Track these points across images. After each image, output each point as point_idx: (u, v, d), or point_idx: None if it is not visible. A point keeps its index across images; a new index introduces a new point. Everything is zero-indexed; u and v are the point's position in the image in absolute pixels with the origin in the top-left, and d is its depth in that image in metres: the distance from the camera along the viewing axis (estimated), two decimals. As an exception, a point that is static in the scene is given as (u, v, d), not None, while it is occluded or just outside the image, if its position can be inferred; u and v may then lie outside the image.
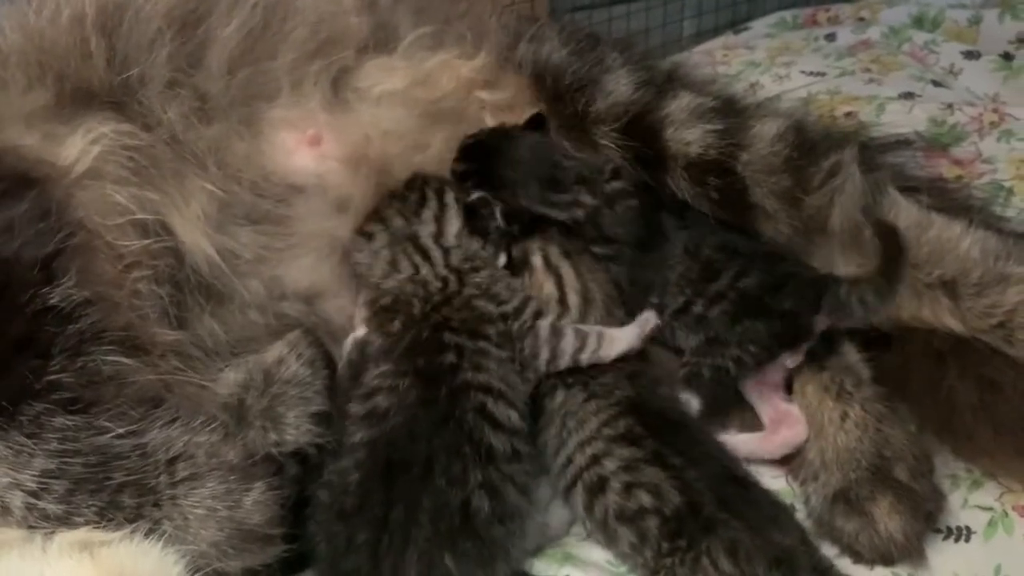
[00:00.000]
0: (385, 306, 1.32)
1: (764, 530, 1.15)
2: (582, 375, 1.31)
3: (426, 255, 1.35)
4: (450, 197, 1.42)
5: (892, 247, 1.28)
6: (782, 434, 1.33)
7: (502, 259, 1.41)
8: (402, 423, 1.19)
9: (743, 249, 1.41)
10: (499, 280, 1.35)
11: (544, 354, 1.30)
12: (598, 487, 1.21)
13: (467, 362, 1.24)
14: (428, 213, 1.39)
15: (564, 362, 1.31)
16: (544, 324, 1.31)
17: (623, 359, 1.33)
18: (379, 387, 1.24)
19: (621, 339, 1.33)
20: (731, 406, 1.37)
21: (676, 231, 1.46)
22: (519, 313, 1.31)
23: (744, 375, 1.35)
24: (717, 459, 1.25)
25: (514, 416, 1.22)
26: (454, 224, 1.39)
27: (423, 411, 1.20)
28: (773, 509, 1.20)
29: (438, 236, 1.38)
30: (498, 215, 1.41)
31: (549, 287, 1.40)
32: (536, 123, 1.50)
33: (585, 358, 1.31)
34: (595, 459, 1.23)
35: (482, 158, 1.47)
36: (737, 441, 1.33)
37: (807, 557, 1.16)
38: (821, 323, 1.34)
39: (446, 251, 1.36)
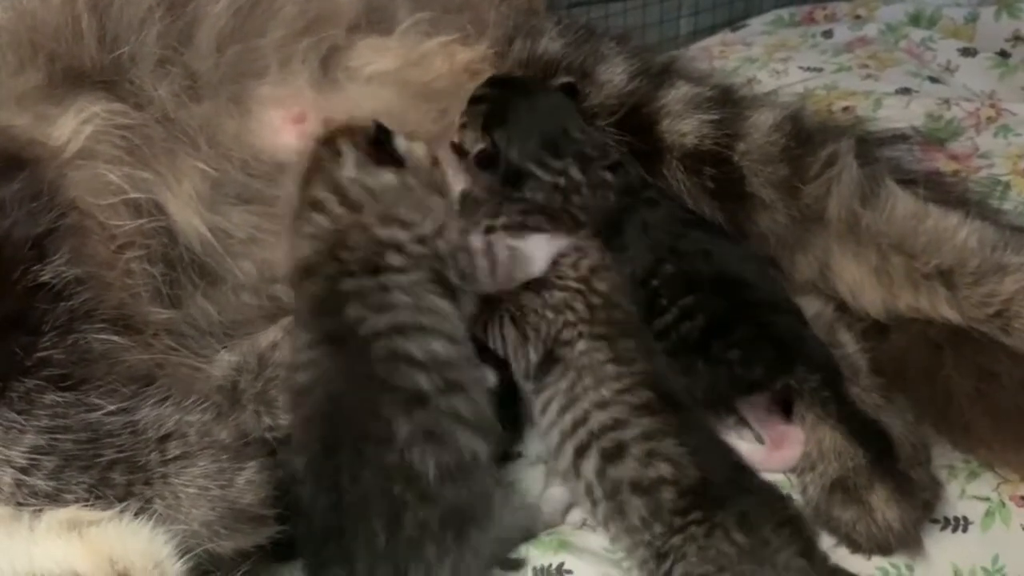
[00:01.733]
0: (299, 268, 1.24)
1: (769, 501, 1.17)
2: (606, 329, 1.29)
3: (318, 206, 1.26)
4: (342, 143, 1.30)
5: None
6: (782, 454, 1.32)
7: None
8: (324, 396, 1.13)
9: (705, 277, 1.35)
10: (404, 201, 1.26)
11: (483, 264, 1.26)
12: (615, 453, 1.19)
13: (369, 308, 1.16)
14: (319, 175, 1.29)
15: (502, 273, 1.28)
16: (476, 237, 1.28)
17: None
18: (300, 362, 1.18)
19: (539, 255, 1.31)
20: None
21: (638, 237, 1.41)
22: (442, 231, 1.24)
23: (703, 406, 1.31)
24: (722, 445, 1.25)
25: (437, 345, 1.15)
26: (346, 170, 1.28)
27: (339, 378, 1.14)
28: (772, 489, 1.22)
29: (331, 186, 1.27)
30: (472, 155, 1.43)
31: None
32: (568, 90, 1.50)
33: (517, 271, 1.29)
34: (617, 423, 1.21)
35: (505, 90, 1.47)
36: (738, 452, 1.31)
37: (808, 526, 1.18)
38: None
39: (341, 192, 1.26)
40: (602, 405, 1.23)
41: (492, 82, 1.50)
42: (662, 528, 1.15)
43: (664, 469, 1.17)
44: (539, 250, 1.33)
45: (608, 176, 1.43)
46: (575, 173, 1.42)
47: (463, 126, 1.48)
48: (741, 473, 1.20)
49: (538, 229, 1.36)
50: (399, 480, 1.07)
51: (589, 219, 1.41)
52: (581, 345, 1.28)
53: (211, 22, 1.38)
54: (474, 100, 1.48)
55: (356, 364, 1.13)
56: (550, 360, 1.28)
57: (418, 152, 1.33)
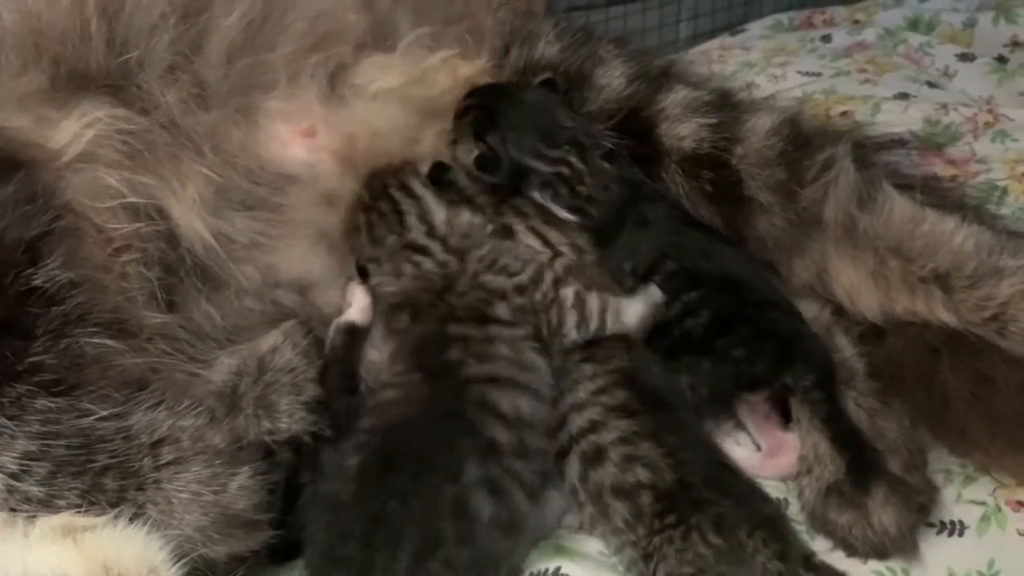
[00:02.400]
0: (393, 304, 1.31)
1: (747, 503, 1.17)
2: None
3: (424, 251, 1.35)
4: (418, 186, 1.40)
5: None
6: (779, 461, 1.32)
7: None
8: (405, 416, 1.19)
9: (707, 274, 1.37)
10: (504, 251, 1.34)
11: (571, 320, 1.29)
12: (595, 457, 1.21)
13: (471, 355, 1.23)
14: (411, 219, 1.38)
15: (593, 325, 1.30)
16: (568, 291, 1.30)
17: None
18: (391, 382, 1.24)
19: (635, 306, 1.32)
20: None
21: (640, 232, 1.43)
22: (537, 283, 1.30)
23: (706, 405, 1.32)
24: (704, 443, 1.25)
25: (524, 404, 1.21)
26: (439, 214, 1.38)
27: (428, 407, 1.20)
28: (753, 489, 1.22)
29: (430, 232, 1.37)
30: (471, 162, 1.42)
31: (537, 246, 1.39)
32: (547, 84, 1.51)
33: (610, 322, 1.30)
34: (593, 426, 1.22)
35: (487, 97, 1.48)
36: (733, 458, 1.31)
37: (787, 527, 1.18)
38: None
39: (442, 240, 1.35)
40: (579, 407, 1.24)
41: (471, 93, 1.50)
42: (644, 531, 1.15)
43: (642, 474, 1.18)
44: (635, 306, 1.33)
45: (606, 165, 1.44)
46: (575, 160, 1.42)
47: (454, 142, 1.48)
48: (722, 473, 1.21)
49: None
50: (448, 516, 1.11)
51: (594, 209, 1.43)
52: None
53: (223, 33, 1.38)
54: (459, 115, 1.48)
55: (447, 400, 1.20)
56: None
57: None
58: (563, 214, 1.43)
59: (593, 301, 1.30)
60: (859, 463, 1.23)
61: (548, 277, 1.32)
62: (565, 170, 1.42)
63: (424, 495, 1.12)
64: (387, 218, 1.38)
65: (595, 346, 1.29)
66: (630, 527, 1.17)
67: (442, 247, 1.34)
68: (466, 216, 1.38)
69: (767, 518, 1.16)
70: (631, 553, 1.17)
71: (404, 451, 1.16)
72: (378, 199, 1.40)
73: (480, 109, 1.46)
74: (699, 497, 1.15)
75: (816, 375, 1.27)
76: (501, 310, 1.27)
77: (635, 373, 1.27)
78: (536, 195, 1.44)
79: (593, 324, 1.30)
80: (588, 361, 1.28)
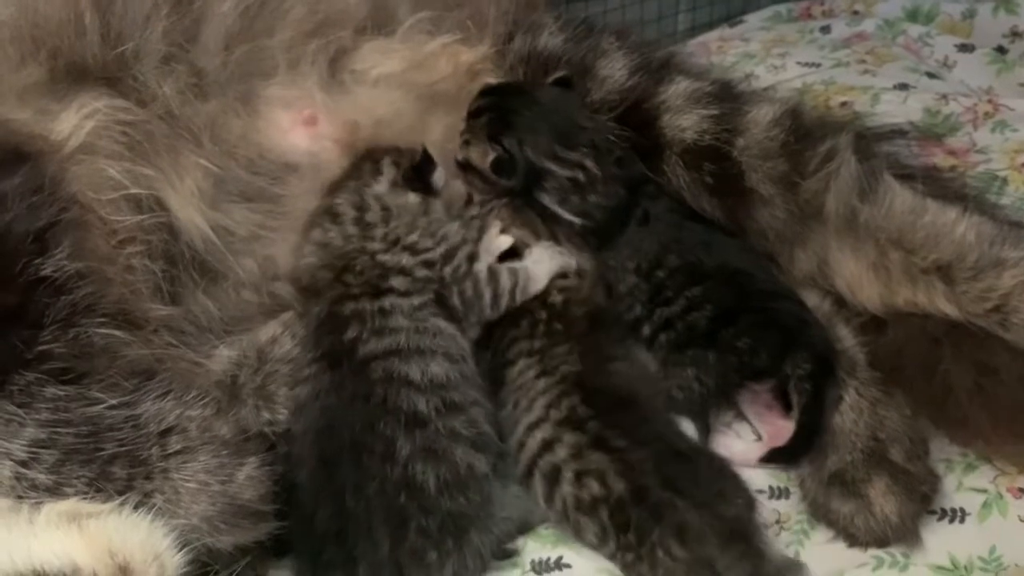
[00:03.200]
0: (301, 288, 1.30)
1: (710, 505, 1.14)
2: (542, 344, 1.31)
3: (336, 218, 1.33)
4: (386, 162, 1.38)
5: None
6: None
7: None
8: (320, 412, 1.19)
9: (708, 267, 1.38)
10: (417, 228, 1.32)
11: (487, 295, 1.30)
12: (553, 477, 1.20)
13: (368, 330, 1.21)
14: (352, 183, 1.37)
15: (504, 301, 1.31)
16: (480, 267, 1.31)
17: (580, 330, 1.33)
18: (304, 376, 1.23)
19: (540, 268, 1.36)
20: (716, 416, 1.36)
21: (643, 229, 1.44)
22: (450, 257, 1.30)
23: (712, 396, 1.33)
24: (662, 436, 1.23)
25: (434, 367, 1.19)
26: (379, 185, 1.36)
27: (336, 396, 1.19)
28: (718, 480, 1.19)
29: (357, 202, 1.35)
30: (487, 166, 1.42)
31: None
32: (563, 83, 1.50)
33: (519, 295, 1.33)
34: (547, 445, 1.21)
35: (501, 96, 1.46)
36: (734, 450, 1.32)
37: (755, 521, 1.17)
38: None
39: (359, 209, 1.33)
40: (533, 426, 1.24)
41: (485, 92, 1.49)
42: (614, 545, 1.16)
43: (594, 487, 1.17)
44: (541, 268, 1.36)
45: (616, 171, 1.44)
46: (591, 165, 1.42)
47: (466, 143, 1.46)
48: (681, 469, 1.18)
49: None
50: (402, 492, 1.12)
51: (602, 215, 1.43)
52: (518, 366, 1.30)
53: (218, 21, 1.38)
54: (473, 115, 1.47)
55: (353, 383, 1.18)
56: (496, 383, 1.30)
57: (455, 189, 1.41)
58: (569, 217, 1.43)
59: (505, 277, 1.32)
60: (796, 451, 1.26)
61: (462, 253, 1.31)
62: (580, 175, 1.42)
63: (372, 480, 1.13)
64: (337, 180, 1.38)
65: (545, 353, 1.30)
66: (602, 542, 1.17)
67: (354, 218, 1.33)
68: (411, 199, 1.36)
69: (737, 522, 1.14)
70: (619, 563, 1.18)
71: (336, 447, 1.15)
72: (348, 166, 1.40)
73: (495, 110, 1.44)
74: (656, 502, 1.13)
75: (812, 365, 1.27)
76: (396, 281, 1.26)
77: (584, 375, 1.26)
78: (545, 198, 1.43)
79: (504, 301, 1.32)
80: (541, 376, 1.27)
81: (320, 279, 1.28)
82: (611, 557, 1.18)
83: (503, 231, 1.40)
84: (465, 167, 1.46)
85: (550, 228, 1.43)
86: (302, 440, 1.19)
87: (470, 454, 1.16)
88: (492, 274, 1.31)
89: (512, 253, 1.38)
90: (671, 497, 1.14)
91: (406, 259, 1.28)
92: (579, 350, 1.30)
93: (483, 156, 1.43)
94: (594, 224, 1.43)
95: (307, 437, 1.18)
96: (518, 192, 1.43)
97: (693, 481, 1.17)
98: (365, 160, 1.39)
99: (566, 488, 1.18)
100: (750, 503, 1.18)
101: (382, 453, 1.14)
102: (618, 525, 1.15)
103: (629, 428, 1.21)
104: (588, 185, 1.42)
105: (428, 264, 1.29)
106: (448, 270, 1.29)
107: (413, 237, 1.31)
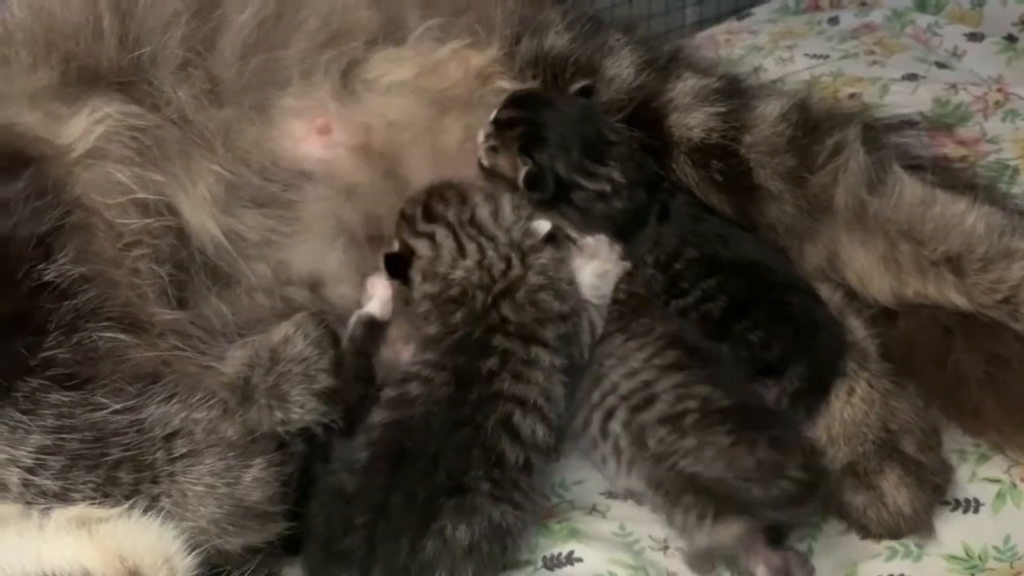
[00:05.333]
0: (451, 297, 1.29)
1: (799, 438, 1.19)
2: (619, 325, 1.33)
3: (490, 235, 1.32)
4: (479, 195, 1.39)
5: None
6: None
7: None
8: (423, 415, 1.19)
9: (725, 260, 1.38)
10: (561, 268, 1.33)
11: (586, 336, 1.32)
12: (645, 403, 1.23)
13: (508, 371, 1.22)
14: (478, 197, 1.36)
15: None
16: (585, 324, 1.32)
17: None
18: (416, 375, 1.23)
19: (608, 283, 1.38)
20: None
21: (662, 223, 1.44)
22: (576, 314, 1.31)
23: None
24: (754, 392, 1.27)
25: (540, 432, 1.20)
26: (506, 206, 1.36)
27: (447, 409, 1.19)
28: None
29: (495, 214, 1.34)
30: (520, 180, 1.41)
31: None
32: (586, 92, 1.50)
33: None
34: (646, 384, 1.24)
35: (533, 110, 1.46)
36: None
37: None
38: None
39: (506, 229, 1.33)
40: (631, 375, 1.26)
41: (517, 102, 1.48)
42: (676, 437, 1.18)
43: (691, 404, 1.20)
44: (608, 280, 1.38)
45: (638, 175, 1.45)
46: (618, 176, 1.42)
47: (493, 150, 1.46)
48: (774, 412, 1.23)
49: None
50: (444, 494, 1.12)
51: (625, 218, 1.44)
52: (604, 343, 1.33)
53: (236, 30, 1.38)
54: (505, 124, 1.46)
55: (470, 409, 1.19)
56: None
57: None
58: (595, 222, 1.44)
59: (596, 318, 1.34)
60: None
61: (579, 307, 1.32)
62: (608, 187, 1.42)
63: (430, 493, 1.12)
64: (449, 201, 1.36)
65: (628, 328, 1.32)
66: (661, 442, 1.19)
67: (506, 237, 1.32)
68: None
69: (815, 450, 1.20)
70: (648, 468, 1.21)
71: (417, 449, 1.16)
72: (440, 189, 1.38)
73: (528, 124, 1.44)
74: (757, 415, 1.18)
75: (804, 384, 1.28)
76: (549, 333, 1.26)
77: (680, 334, 1.30)
78: (572, 207, 1.44)
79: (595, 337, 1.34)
80: (631, 339, 1.30)
81: (476, 301, 1.28)
82: (656, 454, 1.19)
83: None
84: (491, 173, 1.47)
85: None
86: (380, 430, 1.19)
87: (523, 502, 1.17)
88: (591, 325, 1.33)
89: (551, 239, 1.38)
90: (771, 422, 1.18)
91: (555, 304, 1.29)
92: (661, 316, 1.34)
93: (513, 167, 1.44)
94: (617, 227, 1.43)
95: (388, 429, 1.19)
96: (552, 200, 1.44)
97: (786, 425, 1.21)
98: (444, 193, 1.39)
99: (658, 407, 1.21)
100: None
101: (456, 478, 1.14)
102: (705, 425, 1.17)
103: (729, 376, 1.25)
104: (614, 194, 1.43)
105: (564, 317, 1.29)
106: (573, 327, 1.30)
107: (559, 278, 1.32)
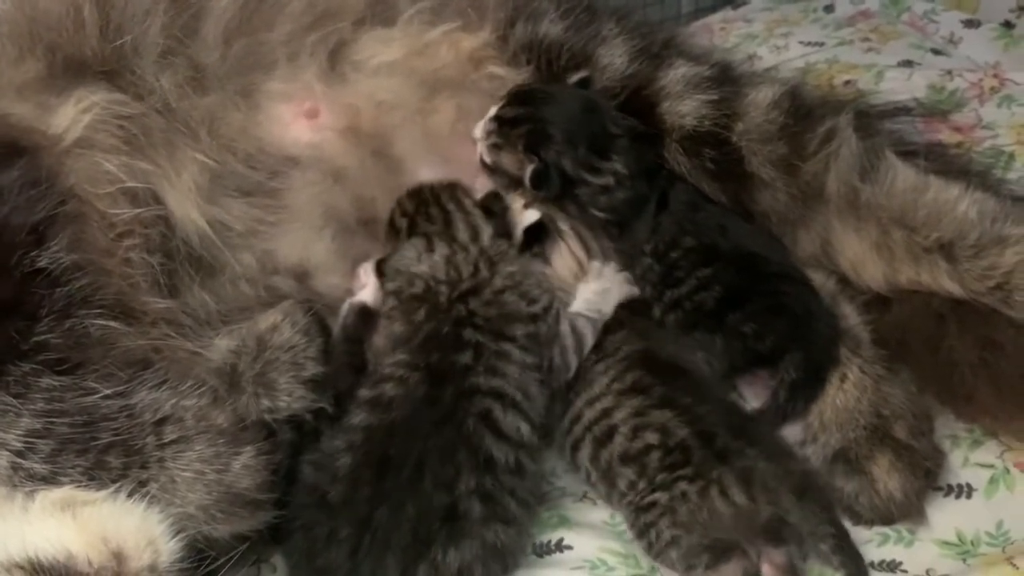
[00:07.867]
0: (414, 294, 1.28)
1: (781, 458, 1.16)
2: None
3: (463, 247, 1.32)
4: (469, 203, 1.38)
5: None
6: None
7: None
8: (403, 417, 1.17)
9: (723, 249, 1.38)
10: (530, 275, 1.32)
11: (574, 362, 1.30)
12: (606, 436, 1.22)
13: (482, 364, 1.21)
14: (458, 222, 1.35)
15: (587, 351, 1.31)
16: (566, 329, 1.30)
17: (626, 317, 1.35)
18: (391, 375, 1.21)
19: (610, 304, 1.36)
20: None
21: (661, 212, 1.44)
22: (547, 314, 1.29)
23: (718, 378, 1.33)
24: (725, 399, 1.26)
25: (524, 428, 1.19)
26: (486, 229, 1.35)
27: (426, 409, 1.17)
28: (782, 444, 1.23)
29: (473, 238, 1.34)
30: (526, 179, 1.41)
31: (576, 256, 1.41)
32: (584, 84, 1.49)
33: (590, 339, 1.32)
34: (605, 413, 1.23)
35: (537, 107, 1.46)
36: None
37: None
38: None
39: (481, 249, 1.32)
40: (592, 401, 1.26)
41: (520, 99, 1.47)
42: (645, 484, 1.16)
43: (651, 437, 1.18)
44: (610, 301, 1.37)
45: (638, 166, 1.44)
46: (621, 169, 1.42)
47: (497, 147, 1.46)
48: (747, 424, 1.21)
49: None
50: (438, 520, 1.10)
51: (626, 210, 1.44)
52: None
53: (217, 15, 1.38)
54: (509, 121, 1.45)
55: (448, 405, 1.17)
56: None
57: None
58: (597, 215, 1.44)
59: (588, 330, 1.32)
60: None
61: (554, 308, 1.31)
62: (612, 180, 1.42)
63: (416, 506, 1.11)
64: (433, 218, 1.36)
65: (601, 346, 1.31)
66: (632, 488, 1.17)
67: (479, 252, 1.31)
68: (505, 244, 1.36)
69: (808, 477, 1.15)
70: (628, 513, 1.18)
71: (400, 457, 1.14)
72: (427, 205, 1.37)
73: (533, 122, 1.44)
74: (724, 447, 1.15)
75: (800, 375, 1.28)
76: (518, 331, 1.25)
77: (649, 352, 1.29)
78: (576, 201, 1.44)
79: (587, 351, 1.32)
80: (600, 360, 1.29)
81: (441, 296, 1.27)
82: (628, 507, 1.18)
83: (527, 206, 1.41)
84: (493, 170, 1.47)
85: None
86: (362, 435, 1.17)
87: (519, 511, 1.16)
88: (575, 333, 1.31)
89: (538, 229, 1.38)
90: (741, 445, 1.15)
91: (522, 305, 1.28)
92: (639, 330, 1.33)
93: (518, 164, 1.44)
94: (619, 218, 1.43)
95: (372, 432, 1.16)
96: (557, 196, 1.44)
97: (761, 436, 1.19)
98: (440, 195, 1.39)
99: (618, 441, 1.20)
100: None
101: (444, 480, 1.12)
102: (668, 465, 1.15)
103: (694, 390, 1.23)
104: (617, 186, 1.43)
105: (533, 318, 1.28)
106: (544, 328, 1.29)
107: (527, 283, 1.31)
